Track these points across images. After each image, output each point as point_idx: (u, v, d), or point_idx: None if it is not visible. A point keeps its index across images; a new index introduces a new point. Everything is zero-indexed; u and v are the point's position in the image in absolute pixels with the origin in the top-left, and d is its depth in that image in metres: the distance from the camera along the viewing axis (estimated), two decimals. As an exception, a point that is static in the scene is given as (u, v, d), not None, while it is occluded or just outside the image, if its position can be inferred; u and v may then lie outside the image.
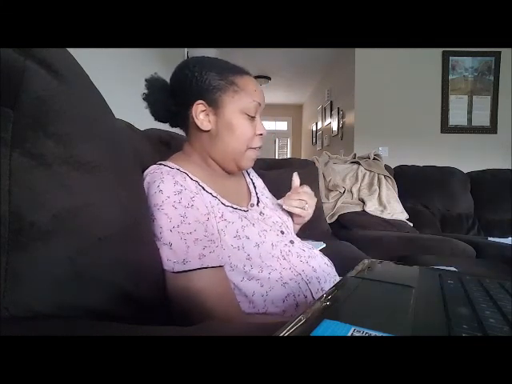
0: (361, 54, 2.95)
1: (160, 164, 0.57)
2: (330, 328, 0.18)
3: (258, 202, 0.66)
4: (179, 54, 2.44)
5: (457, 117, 2.91)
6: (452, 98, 2.90)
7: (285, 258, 0.58)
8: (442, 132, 2.92)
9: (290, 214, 0.71)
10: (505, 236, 1.54)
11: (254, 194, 0.68)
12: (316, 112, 4.79)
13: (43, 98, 0.29)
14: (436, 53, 2.91)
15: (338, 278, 0.64)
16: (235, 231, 0.53)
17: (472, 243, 1.33)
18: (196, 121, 0.56)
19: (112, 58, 1.21)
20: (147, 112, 0.61)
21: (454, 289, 0.28)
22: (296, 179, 0.70)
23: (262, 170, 1.45)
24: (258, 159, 0.64)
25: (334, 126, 3.68)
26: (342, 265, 0.68)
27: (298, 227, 0.78)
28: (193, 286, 0.46)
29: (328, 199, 1.76)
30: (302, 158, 3.31)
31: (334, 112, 3.70)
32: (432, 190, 1.93)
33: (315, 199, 0.71)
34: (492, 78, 2.88)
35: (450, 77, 2.90)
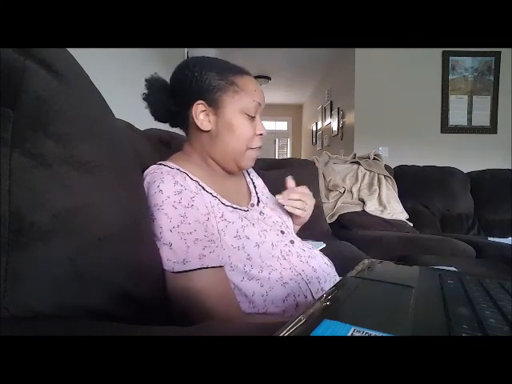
0: (361, 54, 2.95)
1: (160, 164, 0.57)
2: (330, 328, 0.18)
3: (258, 201, 0.66)
4: (179, 54, 2.44)
5: (457, 117, 2.91)
6: (452, 98, 2.91)
7: (285, 258, 0.58)
8: (442, 132, 2.93)
9: (290, 214, 0.71)
10: (505, 236, 1.54)
11: (254, 193, 0.68)
12: (316, 112, 4.79)
13: (43, 98, 0.29)
14: (436, 53, 2.91)
15: (338, 278, 0.64)
16: (235, 231, 0.53)
17: (472, 243, 1.33)
18: (196, 121, 0.56)
19: (112, 58, 1.21)
20: (147, 112, 0.61)
21: (453, 289, 0.28)
22: (290, 182, 0.69)
23: (262, 170, 1.45)
24: (258, 159, 0.64)
25: (334, 126, 3.68)
26: (342, 265, 0.68)
27: (298, 227, 0.78)
28: (193, 286, 0.46)
29: (328, 199, 1.76)
30: (302, 157, 3.30)
31: (334, 112, 3.70)
32: (432, 189, 1.93)
33: (314, 200, 0.71)
34: (492, 78, 2.89)
35: (450, 77, 2.90)
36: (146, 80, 0.59)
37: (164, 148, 0.81)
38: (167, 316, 0.46)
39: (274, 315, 0.52)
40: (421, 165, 2.04)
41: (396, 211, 1.72)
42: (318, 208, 1.59)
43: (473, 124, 2.91)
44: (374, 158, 1.92)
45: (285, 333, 0.18)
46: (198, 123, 0.56)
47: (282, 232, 0.63)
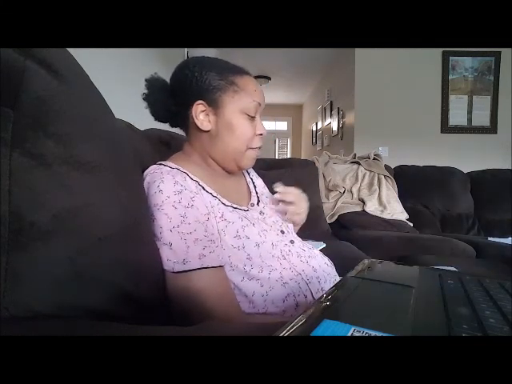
0: (361, 54, 2.95)
1: (160, 164, 0.57)
2: (330, 328, 0.18)
3: (258, 201, 0.66)
4: (179, 54, 2.44)
5: (457, 117, 2.91)
6: (452, 98, 2.90)
7: (285, 258, 0.58)
8: (442, 132, 2.93)
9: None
10: (505, 236, 1.54)
11: (254, 193, 0.68)
12: (316, 112, 4.79)
13: (43, 98, 0.29)
14: (436, 53, 2.91)
15: (338, 278, 0.64)
16: (235, 231, 0.53)
17: (472, 243, 1.33)
18: (196, 121, 0.56)
19: (112, 58, 1.21)
20: (147, 112, 0.61)
21: (454, 289, 0.28)
22: (279, 186, 0.67)
23: (262, 170, 1.45)
24: (258, 159, 0.64)
25: (334, 126, 3.68)
26: (342, 265, 0.68)
27: (298, 228, 0.78)
28: (193, 286, 0.46)
29: (328, 199, 1.76)
30: (302, 157, 3.30)
31: (334, 112, 3.70)
32: (432, 189, 1.93)
33: (307, 202, 0.73)
34: (492, 78, 2.88)
35: (450, 77, 2.90)
36: (146, 80, 0.59)
37: (164, 148, 0.81)
38: (167, 316, 0.46)
39: (274, 315, 0.52)
40: (421, 165, 2.04)
41: (396, 211, 1.72)
42: (318, 208, 1.59)
43: (473, 124, 2.91)
44: (374, 158, 1.92)
45: (285, 333, 0.18)
46: (198, 123, 0.56)
47: (282, 232, 0.63)
